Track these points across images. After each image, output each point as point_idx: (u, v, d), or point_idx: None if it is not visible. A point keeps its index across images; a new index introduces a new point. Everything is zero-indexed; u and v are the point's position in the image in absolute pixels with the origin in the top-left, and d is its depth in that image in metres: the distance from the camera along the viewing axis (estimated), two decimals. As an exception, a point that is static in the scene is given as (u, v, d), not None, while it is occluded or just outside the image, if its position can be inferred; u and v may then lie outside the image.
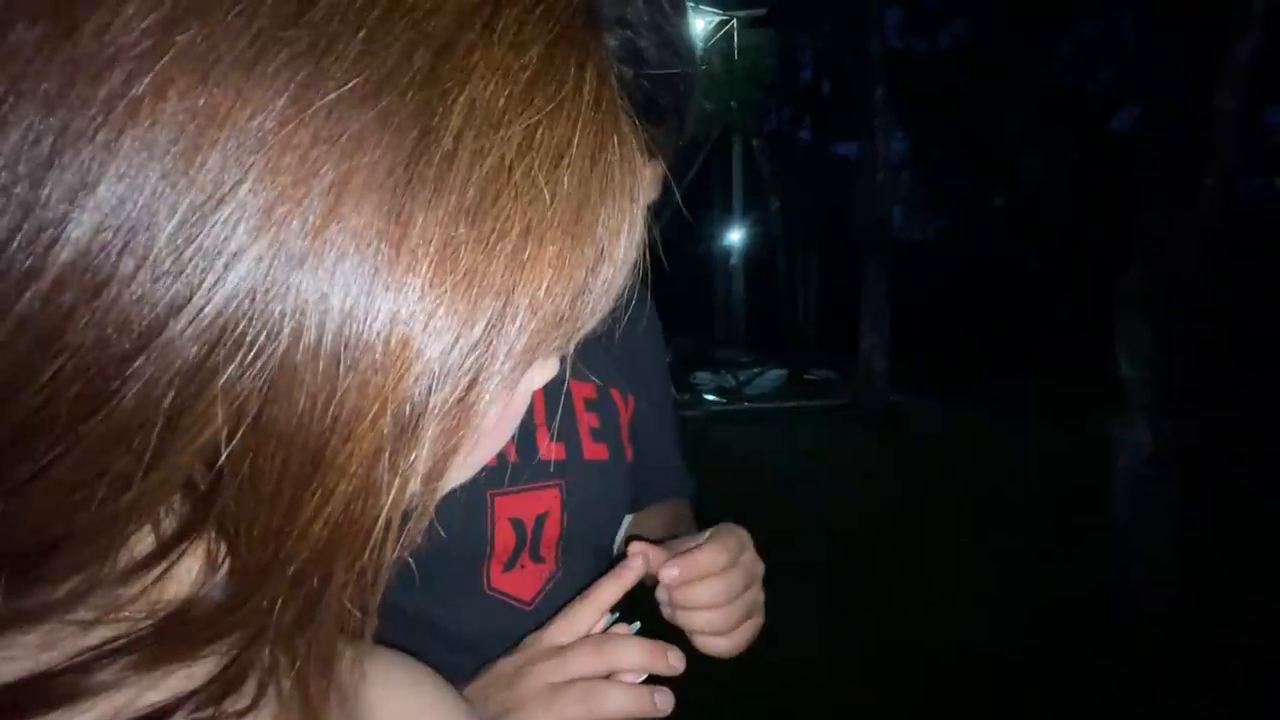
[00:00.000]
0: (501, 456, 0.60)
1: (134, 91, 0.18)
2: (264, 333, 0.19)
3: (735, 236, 13.64)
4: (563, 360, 0.63)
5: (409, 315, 0.20)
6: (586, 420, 0.65)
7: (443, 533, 0.55)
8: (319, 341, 0.20)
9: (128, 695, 0.22)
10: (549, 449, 0.62)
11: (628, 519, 0.75)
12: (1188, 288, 3.20)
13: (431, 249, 0.20)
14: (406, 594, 0.55)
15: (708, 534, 0.55)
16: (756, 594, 0.56)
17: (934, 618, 3.17)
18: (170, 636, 0.22)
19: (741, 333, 13.60)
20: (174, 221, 0.18)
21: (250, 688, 0.24)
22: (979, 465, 5.79)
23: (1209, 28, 3.11)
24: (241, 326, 0.19)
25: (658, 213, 0.56)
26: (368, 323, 0.20)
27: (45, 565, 0.21)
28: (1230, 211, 3.38)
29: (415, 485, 0.23)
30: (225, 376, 0.19)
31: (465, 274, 0.21)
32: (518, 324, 0.22)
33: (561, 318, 0.24)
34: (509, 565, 0.60)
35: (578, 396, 0.66)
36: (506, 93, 0.21)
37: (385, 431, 0.21)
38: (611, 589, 0.51)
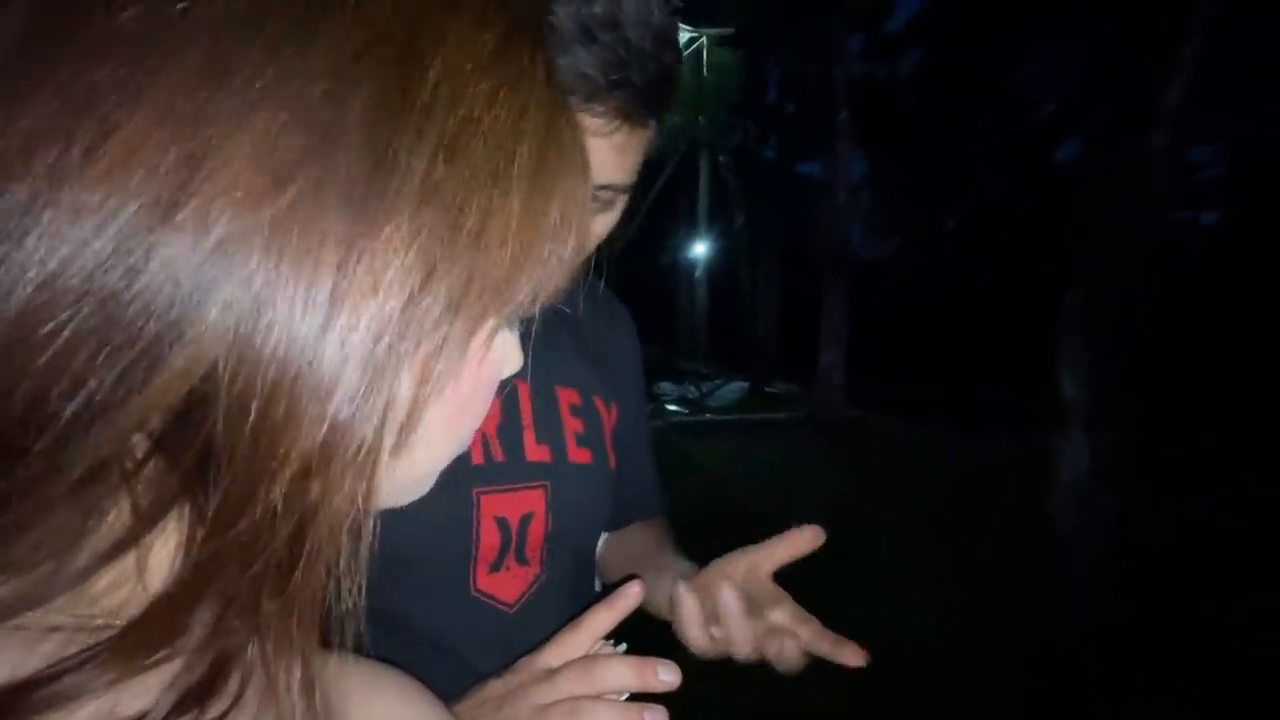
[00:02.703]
0: (488, 455, 0.60)
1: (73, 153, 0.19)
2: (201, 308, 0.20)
3: (700, 249, 13.81)
4: (542, 362, 0.65)
5: (366, 265, 0.21)
6: (571, 425, 0.66)
7: (430, 531, 0.57)
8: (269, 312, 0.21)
9: (110, 700, 0.21)
10: (535, 451, 0.63)
11: (603, 536, 0.76)
12: (1124, 310, 3.41)
13: (414, 188, 0.22)
14: (392, 595, 0.56)
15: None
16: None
17: (892, 626, 3.27)
18: (148, 633, 0.22)
19: (704, 345, 13.74)
20: (121, 220, 0.20)
21: (231, 688, 0.23)
22: (932, 476, 5.99)
23: (1142, 72, 3.34)
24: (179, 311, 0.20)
25: (626, 223, 0.61)
26: (321, 254, 0.21)
27: (10, 550, 0.21)
28: (1161, 240, 3.62)
29: (385, 447, 0.23)
30: (176, 349, 0.20)
31: (444, 211, 0.22)
32: (481, 275, 0.23)
33: (520, 276, 0.25)
34: (494, 567, 0.60)
35: (563, 402, 0.67)
36: (473, 59, 0.23)
37: (344, 384, 0.21)
38: (605, 618, 0.51)
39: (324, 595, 0.24)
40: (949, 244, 14.77)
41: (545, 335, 0.67)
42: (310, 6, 0.21)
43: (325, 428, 0.21)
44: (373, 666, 0.34)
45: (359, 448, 0.22)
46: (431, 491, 0.57)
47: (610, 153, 0.51)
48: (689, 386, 10.46)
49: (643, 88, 0.49)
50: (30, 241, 0.19)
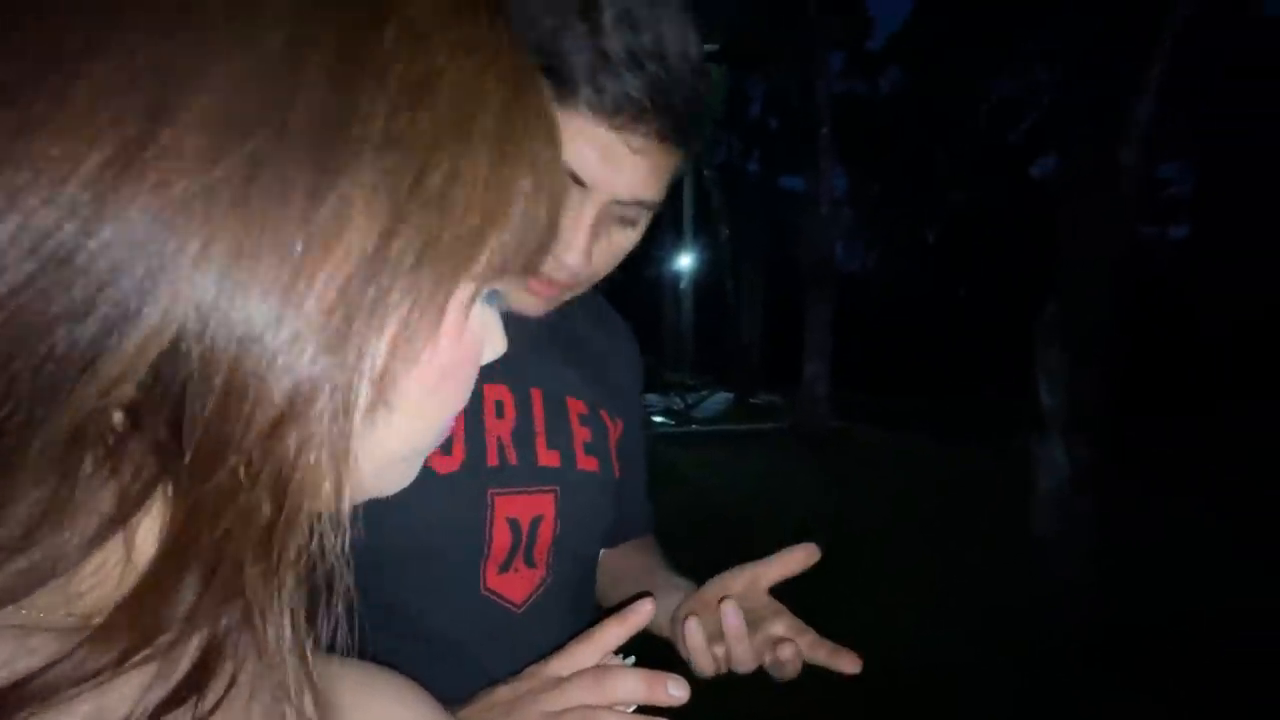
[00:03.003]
0: (503, 458, 0.63)
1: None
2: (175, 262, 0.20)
3: (685, 262, 13.91)
4: (554, 373, 0.67)
5: (343, 205, 0.21)
6: (581, 434, 0.68)
7: (445, 527, 0.59)
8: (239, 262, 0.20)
9: (105, 694, 0.21)
10: (546, 456, 0.65)
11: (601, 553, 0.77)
12: (1099, 320, 3.50)
13: (376, 136, 0.22)
14: (405, 589, 0.58)
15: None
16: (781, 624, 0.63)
17: (879, 632, 3.29)
18: (137, 610, 0.22)
19: (690, 357, 13.80)
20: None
21: (225, 672, 0.23)
22: (915, 485, 6.06)
23: (1112, 91, 3.47)
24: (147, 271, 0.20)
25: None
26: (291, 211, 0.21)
27: None
28: (1133, 252, 3.73)
29: (360, 402, 0.23)
30: (144, 323, 0.20)
31: (407, 161, 0.22)
32: (450, 230, 0.23)
33: (489, 235, 0.25)
34: (504, 567, 0.62)
35: (572, 412, 0.69)
36: (432, 16, 0.23)
37: (313, 332, 0.21)
38: (616, 631, 0.51)
39: (308, 558, 0.24)
40: (930, 257, 15.02)
41: (557, 349, 0.70)
42: None
43: (296, 376, 0.21)
44: (368, 668, 0.34)
45: (332, 397, 0.22)
46: (448, 489, 0.59)
47: (648, 171, 0.55)
48: (674, 398, 10.48)
49: (682, 112, 0.53)
50: None
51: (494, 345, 0.31)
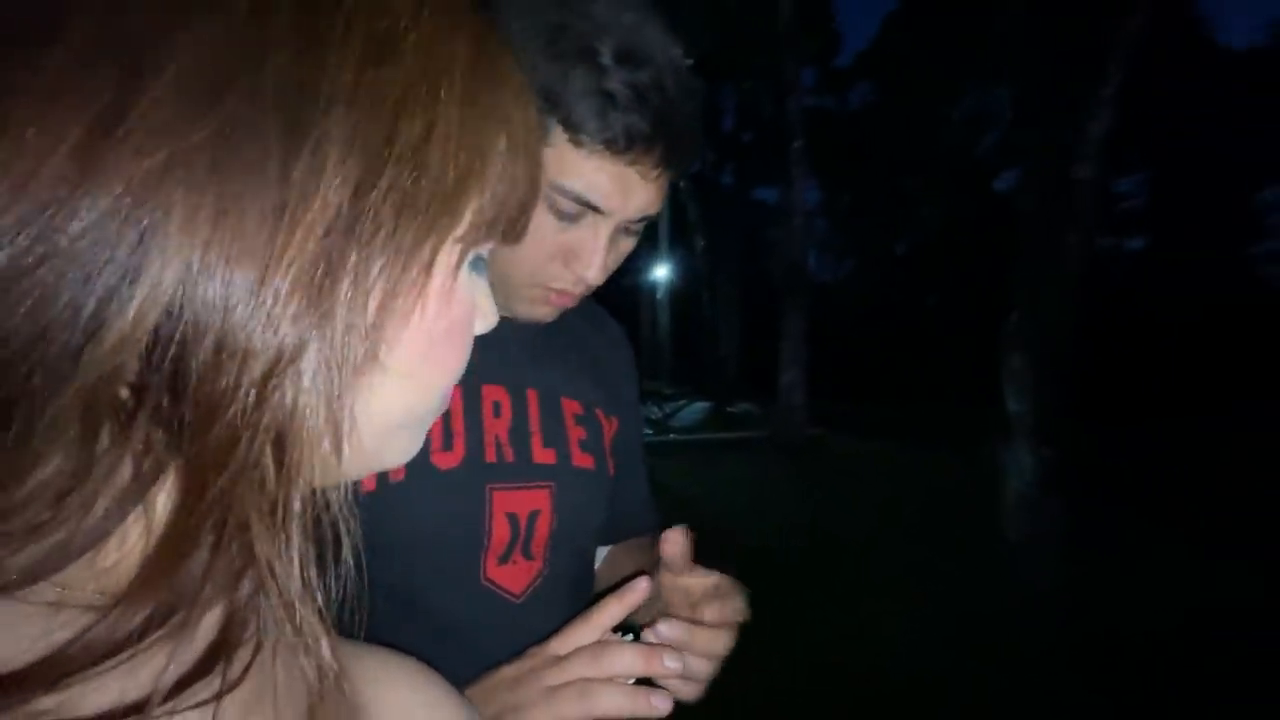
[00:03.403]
0: (500, 455, 0.66)
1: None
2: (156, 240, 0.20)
3: (662, 273, 14.01)
4: (550, 373, 0.70)
5: (316, 158, 0.22)
6: (575, 433, 0.71)
7: (447, 520, 0.62)
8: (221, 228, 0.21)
9: (133, 668, 0.22)
10: (541, 454, 0.68)
11: (602, 551, 0.80)
12: (1059, 330, 3.64)
13: (345, 92, 0.22)
14: (408, 579, 0.61)
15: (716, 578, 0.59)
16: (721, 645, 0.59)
17: (855, 636, 3.35)
18: (157, 576, 0.22)
19: (667, 366, 13.87)
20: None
21: (250, 639, 0.24)
22: (890, 492, 6.17)
23: (1067, 109, 3.63)
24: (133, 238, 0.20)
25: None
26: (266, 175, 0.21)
27: (21, 514, 0.21)
28: (1089, 265, 3.89)
29: (353, 355, 0.23)
30: (136, 299, 0.20)
31: (378, 115, 0.23)
32: (427, 185, 0.24)
33: (468, 193, 0.25)
34: (503, 559, 0.65)
35: (568, 411, 0.72)
36: None
37: (299, 285, 0.22)
38: (614, 610, 0.52)
39: (313, 513, 0.24)
40: (900, 267, 15.34)
41: (553, 351, 0.73)
42: None
43: (284, 330, 0.22)
44: (385, 652, 0.34)
45: (321, 350, 0.22)
46: (449, 484, 0.62)
47: (657, 192, 0.60)
48: (653, 408, 10.52)
49: (685, 137, 0.58)
50: None
51: (485, 315, 0.31)
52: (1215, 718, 2.63)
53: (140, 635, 0.22)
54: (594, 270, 0.60)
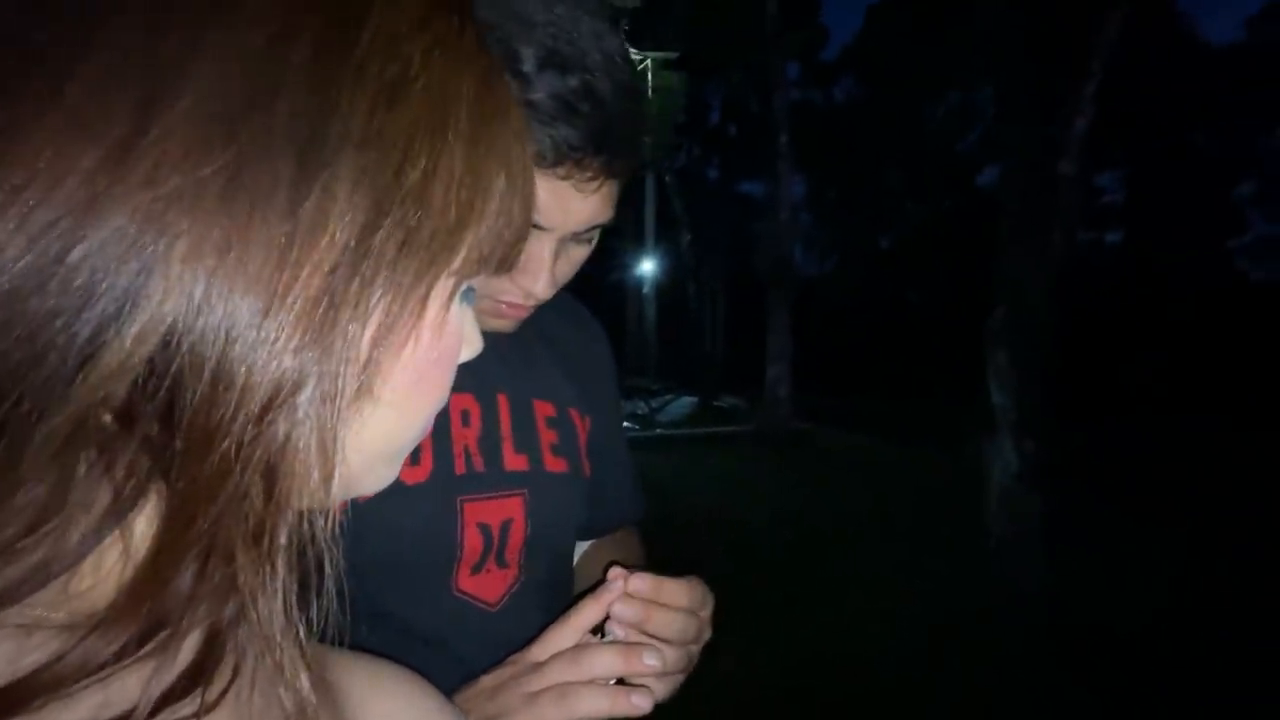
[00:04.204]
0: (470, 466, 0.64)
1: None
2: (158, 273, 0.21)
3: (647, 267, 13.99)
4: (520, 376, 0.67)
5: (322, 202, 0.22)
6: (547, 437, 0.69)
7: (416, 536, 0.59)
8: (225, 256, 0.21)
9: (106, 691, 0.22)
10: (513, 460, 0.66)
11: (583, 546, 0.78)
12: (1043, 325, 3.67)
13: (356, 132, 0.23)
14: (379, 596, 0.58)
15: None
16: (697, 651, 0.57)
17: (839, 629, 3.37)
18: (135, 601, 0.22)
19: (653, 361, 13.87)
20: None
21: (227, 665, 0.24)
22: (873, 485, 6.22)
23: (1050, 105, 3.65)
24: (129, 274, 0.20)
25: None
26: (273, 204, 0.21)
27: None
28: (1072, 258, 3.91)
29: (347, 389, 0.23)
30: (138, 318, 0.20)
31: (387, 156, 0.23)
32: (428, 223, 0.24)
33: (466, 231, 0.26)
34: (476, 569, 0.63)
35: (539, 415, 0.70)
36: (405, 19, 0.24)
37: (299, 320, 0.22)
38: (591, 612, 0.52)
39: (298, 544, 0.24)
40: (884, 263, 15.45)
41: (525, 352, 0.70)
42: None
43: (283, 364, 0.22)
44: (375, 661, 0.34)
45: (318, 385, 0.23)
46: (418, 499, 0.59)
47: (600, 202, 0.56)
48: (639, 403, 10.52)
49: (624, 145, 0.54)
50: None
51: (471, 344, 0.32)
52: (1197, 712, 2.67)
53: (116, 659, 0.21)
54: (541, 284, 0.57)
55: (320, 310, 0.22)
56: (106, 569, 0.24)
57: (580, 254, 0.61)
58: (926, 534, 4.64)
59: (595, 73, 0.51)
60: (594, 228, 0.58)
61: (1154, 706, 2.72)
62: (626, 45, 0.55)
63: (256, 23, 0.22)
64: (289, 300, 0.22)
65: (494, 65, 0.28)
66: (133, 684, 0.22)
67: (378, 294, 0.24)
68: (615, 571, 0.54)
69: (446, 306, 0.27)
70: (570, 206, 0.54)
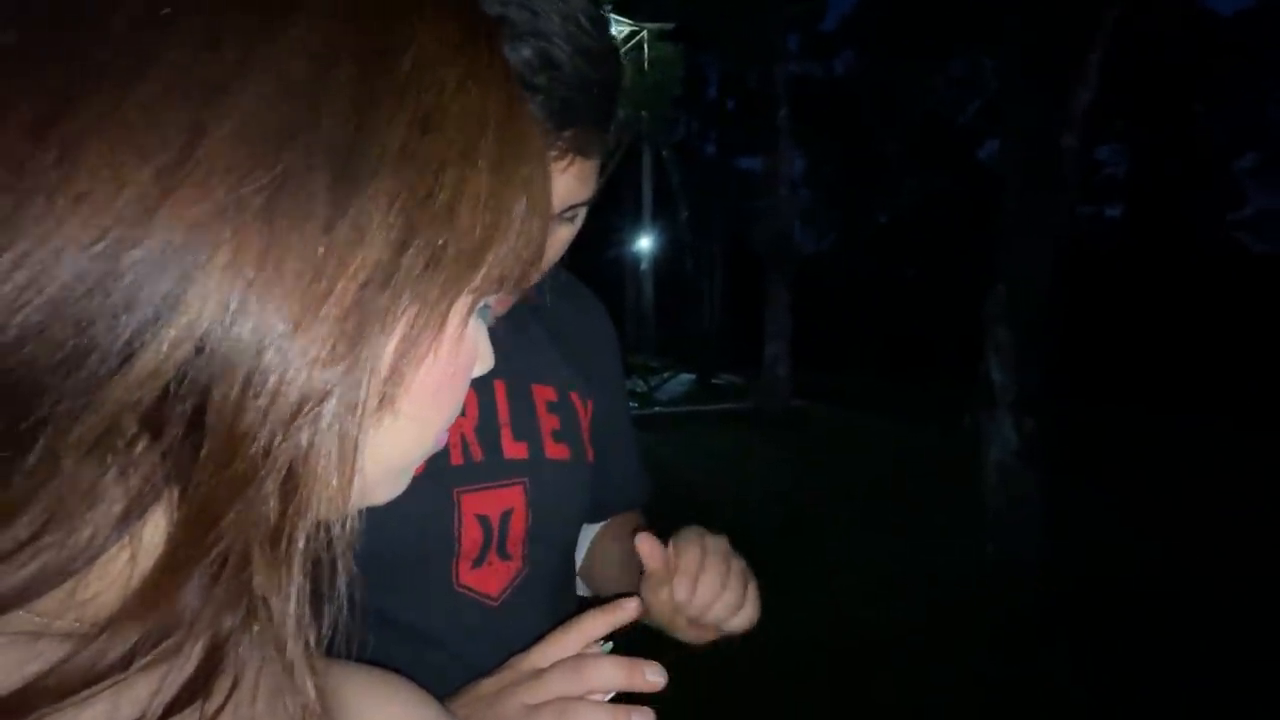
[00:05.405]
0: (467, 456, 0.62)
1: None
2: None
3: (645, 244, 13.89)
4: (518, 361, 0.66)
5: (357, 226, 0.23)
6: (548, 422, 0.67)
7: (413, 531, 0.58)
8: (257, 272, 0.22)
9: (112, 700, 0.22)
10: (513, 448, 0.64)
11: (590, 530, 0.77)
12: (1043, 302, 3.65)
13: (394, 154, 0.24)
14: (376, 593, 0.57)
15: (671, 548, 0.59)
16: (739, 563, 0.61)
17: (837, 607, 3.41)
18: (145, 605, 0.22)
19: (651, 339, 13.85)
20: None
21: (229, 673, 0.24)
22: (872, 462, 6.26)
23: (1054, 77, 3.58)
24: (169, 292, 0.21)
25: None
26: (310, 220, 0.22)
27: (12, 530, 0.21)
28: (1073, 233, 3.88)
29: (370, 401, 0.24)
30: (167, 331, 0.21)
31: (421, 178, 0.24)
32: (454, 242, 0.25)
33: (490, 249, 0.27)
34: (477, 562, 0.61)
35: (540, 400, 0.67)
36: (442, 48, 0.26)
37: (331, 332, 0.23)
38: (599, 624, 0.51)
39: (316, 550, 0.25)
40: (883, 239, 15.35)
41: (521, 334, 0.68)
42: None
43: (311, 376, 0.23)
44: (373, 671, 0.34)
45: (343, 397, 0.23)
46: (413, 493, 0.58)
47: (575, 180, 0.53)
48: (637, 380, 10.52)
49: (591, 118, 0.50)
50: (32, 216, 0.20)
51: (484, 359, 0.33)
52: (1188, 685, 2.72)
53: (123, 665, 0.22)
54: None
55: (351, 323, 0.23)
56: (113, 575, 0.24)
57: (564, 234, 0.58)
58: (923, 510, 4.68)
59: (553, 39, 0.47)
60: (572, 208, 0.55)
61: (1147, 680, 2.77)
62: (595, 6, 0.50)
63: (302, 47, 0.23)
64: (322, 312, 0.23)
65: (519, 92, 0.29)
66: (140, 691, 0.22)
67: (404, 309, 0.25)
68: (633, 600, 0.53)
69: (465, 322, 0.28)
70: None
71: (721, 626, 0.60)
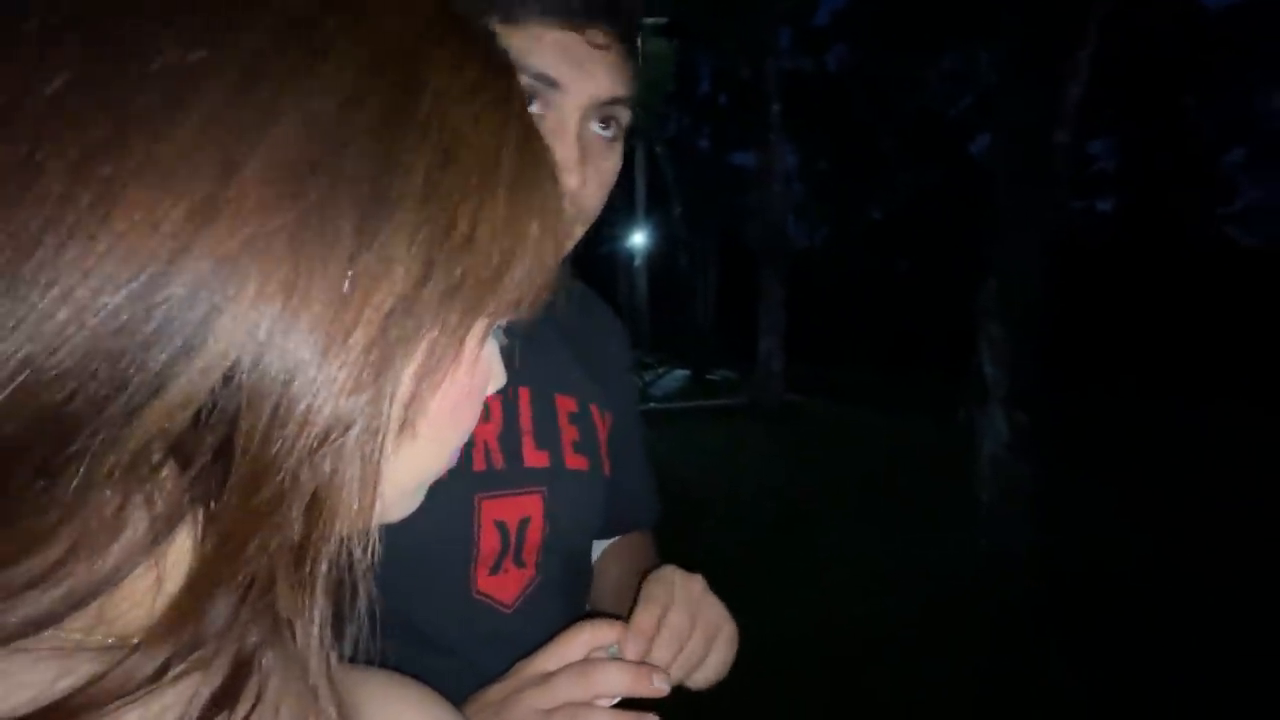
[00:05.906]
0: (489, 462, 0.62)
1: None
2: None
3: (638, 239, 13.87)
4: (542, 369, 0.66)
5: (381, 256, 0.24)
6: (569, 433, 0.67)
7: (432, 536, 0.58)
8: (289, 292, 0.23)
9: (147, 710, 0.23)
10: (534, 456, 0.64)
11: (598, 546, 0.77)
12: (1035, 296, 3.67)
13: (416, 189, 0.25)
14: (393, 597, 0.56)
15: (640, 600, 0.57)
16: (710, 615, 0.58)
17: (830, 601, 3.43)
18: (171, 625, 0.23)
19: (646, 334, 13.85)
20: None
21: (252, 688, 0.25)
22: (865, 456, 6.28)
23: (1046, 72, 3.59)
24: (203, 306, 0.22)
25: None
26: (333, 254, 0.23)
27: (31, 562, 0.22)
28: (1065, 227, 3.90)
29: (391, 426, 0.25)
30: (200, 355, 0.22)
31: (441, 211, 0.25)
32: (473, 271, 0.26)
33: (506, 276, 0.28)
34: (494, 569, 0.61)
35: (562, 409, 0.67)
36: (461, 85, 0.27)
37: (356, 360, 0.24)
38: (608, 632, 0.52)
39: (335, 572, 0.26)
40: (876, 234, 15.38)
41: (545, 343, 0.68)
42: (321, 34, 0.25)
43: (337, 403, 0.23)
44: (389, 676, 0.35)
45: (368, 423, 0.24)
46: (434, 498, 0.58)
47: (613, 66, 0.55)
48: (631, 377, 10.52)
49: (628, 9, 0.55)
50: (72, 256, 0.21)
51: (496, 378, 0.34)
52: (1182, 677, 2.74)
53: (154, 680, 0.23)
54: (568, 171, 0.53)
55: (375, 352, 0.24)
56: (139, 594, 0.25)
57: (607, 165, 0.58)
58: (915, 503, 4.71)
59: None
60: (614, 102, 0.56)
61: (1141, 672, 2.80)
62: None
63: (330, 90, 0.24)
64: (349, 342, 0.23)
65: (532, 124, 0.30)
66: (169, 702, 0.23)
67: (426, 335, 0.26)
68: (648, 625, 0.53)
69: (481, 344, 0.30)
70: (583, 63, 0.53)
71: (687, 685, 0.58)
